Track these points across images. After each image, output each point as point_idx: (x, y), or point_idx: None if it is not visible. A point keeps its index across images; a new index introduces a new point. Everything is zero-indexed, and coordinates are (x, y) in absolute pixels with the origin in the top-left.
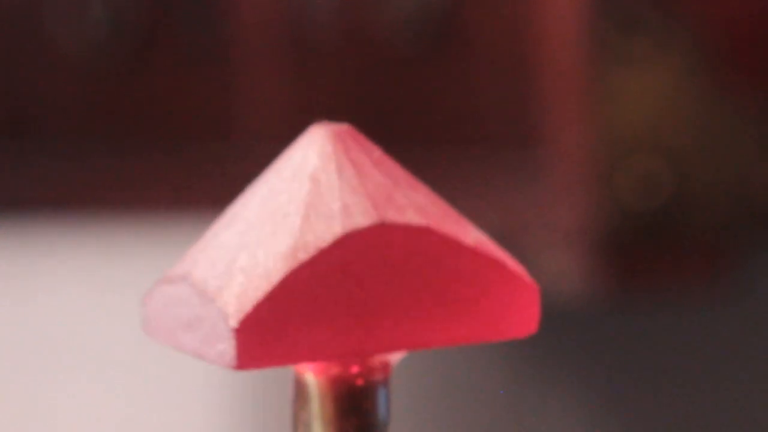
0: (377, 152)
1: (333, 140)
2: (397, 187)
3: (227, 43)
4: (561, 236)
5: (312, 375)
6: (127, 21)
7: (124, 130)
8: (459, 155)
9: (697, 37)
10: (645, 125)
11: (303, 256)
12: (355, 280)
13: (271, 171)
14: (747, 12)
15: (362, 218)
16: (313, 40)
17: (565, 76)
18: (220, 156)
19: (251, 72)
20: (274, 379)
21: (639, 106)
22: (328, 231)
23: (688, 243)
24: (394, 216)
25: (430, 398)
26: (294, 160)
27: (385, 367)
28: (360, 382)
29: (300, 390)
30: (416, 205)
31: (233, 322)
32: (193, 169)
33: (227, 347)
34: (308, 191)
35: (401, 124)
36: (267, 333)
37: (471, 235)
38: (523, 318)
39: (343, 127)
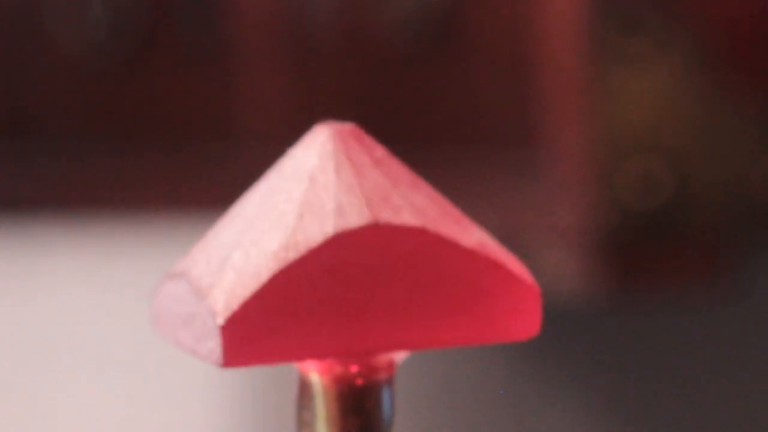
0: (380, 152)
1: (334, 139)
2: (396, 187)
3: (227, 43)
4: (561, 236)
5: (315, 374)
6: (127, 21)
7: (124, 130)
8: (459, 155)
9: (697, 37)
10: (645, 125)
11: (293, 255)
12: (348, 280)
13: (273, 170)
14: (747, 12)
15: (355, 218)
16: (313, 40)
17: (565, 76)
18: (220, 156)
19: (251, 72)
20: (274, 379)
21: (639, 106)
22: (320, 230)
23: (688, 243)
24: (388, 216)
25: (429, 398)
26: (296, 159)
27: (389, 366)
28: (360, 381)
29: (303, 389)
30: (414, 205)
31: (220, 320)
32: (193, 169)
33: (215, 345)
34: (305, 190)
35: (401, 124)
36: (254, 331)
37: (472, 236)
38: (525, 321)
39: (347, 127)
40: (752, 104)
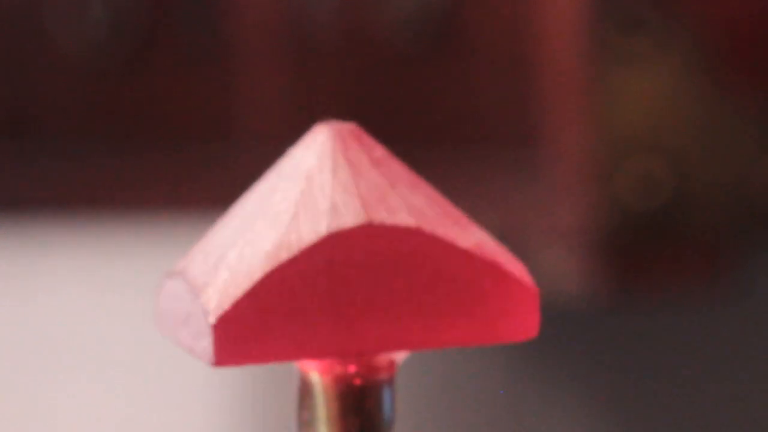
0: (379, 152)
1: (333, 139)
2: (394, 187)
3: (227, 43)
4: (561, 236)
5: (315, 374)
6: (127, 21)
7: (124, 130)
8: (459, 155)
9: (697, 37)
10: (645, 125)
11: (286, 254)
12: (342, 280)
13: (273, 169)
14: (747, 12)
15: (349, 218)
16: (313, 40)
17: (565, 76)
18: (220, 156)
19: (251, 72)
20: (274, 379)
21: (639, 106)
22: (313, 230)
23: (688, 243)
24: (383, 217)
25: (429, 398)
26: (295, 158)
27: (389, 366)
28: (358, 381)
29: (303, 389)
30: (412, 206)
31: (212, 319)
32: (193, 169)
33: (207, 343)
34: (301, 190)
35: (401, 124)
36: (247, 330)
37: (471, 237)
38: (523, 322)
39: (347, 126)
40: (752, 104)
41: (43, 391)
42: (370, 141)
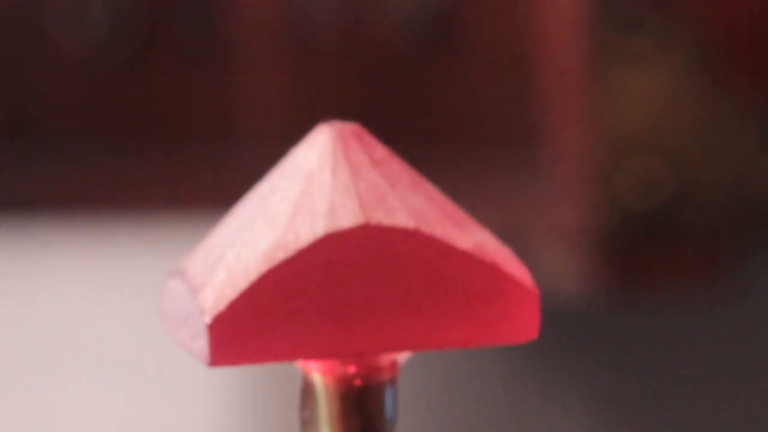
0: (381, 152)
1: (334, 139)
2: (393, 188)
3: (227, 43)
4: (561, 236)
5: (317, 374)
6: (127, 21)
7: (124, 130)
8: (459, 155)
9: (697, 37)
10: (645, 125)
11: (282, 255)
12: (339, 280)
13: (275, 169)
14: (747, 12)
15: (347, 218)
16: (313, 40)
17: (565, 76)
18: (220, 156)
19: (251, 72)
20: (274, 379)
21: (639, 106)
22: (310, 231)
23: (688, 243)
24: (381, 217)
25: (429, 398)
26: (296, 158)
27: (391, 367)
28: (358, 382)
29: (305, 389)
30: (411, 207)
31: (207, 318)
32: (193, 169)
33: (203, 343)
34: (301, 190)
35: (401, 124)
36: (243, 331)
37: (471, 238)
38: (523, 324)
39: (349, 127)
40: (752, 104)
41: (43, 391)
42: (372, 141)
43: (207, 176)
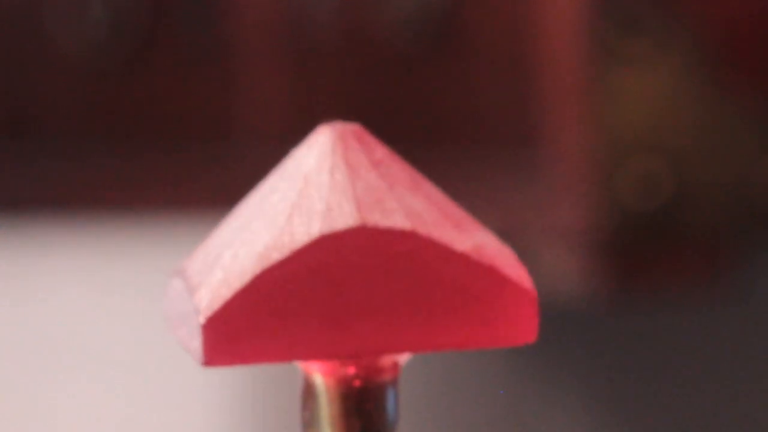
0: (381, 153)
1: (334, 140)
2: (392, 189)
3: (227, 43)
4: (561, 236)
5: (317, 375)
6: (127, 21)
7: (124, 130)
8: (459, 155)
9: (697, 37)
10: (645, 125)
11: (277, 255)
12: (334, 281)
13: (276, 169)
14: (747, 12)
15: (343, 220)
16: (313, 40)
17: (565, 76)
18: (220, 156)
19: (251, 72)
20: (275, 379)
21: (639, 106)
22: (305, 232)
23: (688, 243)
24: (377, 219)
25: (429, 398)
26: (296, 159)
27: (392, 368)
28: (358, 383)
29: (305, 390)
30: (409, 208)
31: (201, 318)
32: (193, 169)
33: (198, 343)
34: (298, 191)
35: (401, 124)
36: (237, 331)
37: (470, 240)
38: (521, 327)
39: (350, 127)
40: (752, 104)
41: (43, 391)
42: (373, 142)
43: (207, 176)
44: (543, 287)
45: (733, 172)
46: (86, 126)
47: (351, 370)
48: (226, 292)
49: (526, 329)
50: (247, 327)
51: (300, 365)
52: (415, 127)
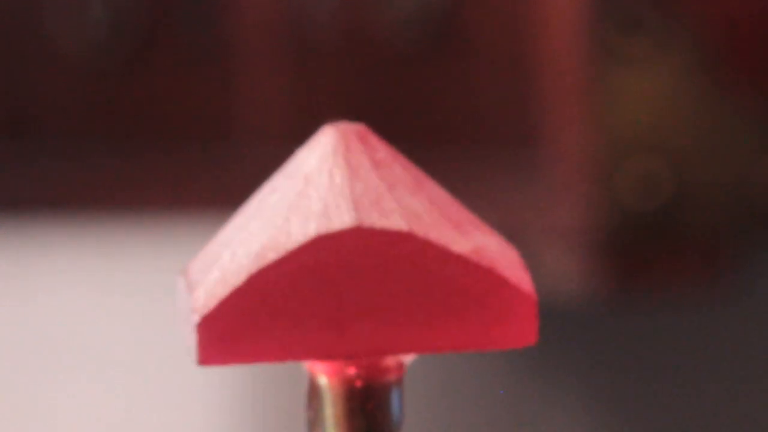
0: (383, 153)
1: (336, 140)
2: (392, 190)
3: (227, 43)
4: (561, 236)
5: (321, 375)
6: (127, 21)
7: (124, 130)
8: (459, 155)
9: (697, 37)
10: (645, 125)
11: (273, 255)
12: (330, 282)
13: (280, 169)
14: (747, 12)
15: (339, 220)
16: (313, 40)
17: (565, 76)
18: (220, 156)
19: (251, 72)
20: (275, 379)
21: (639, 106)
22: (302, 232)
23: (688, 243)
24: (374, 220)
25: (428, 398)
26: (298, 159)
27: (396, 368)
28: (359, 383)
29: (309, 390)
30: (408, 209)
31: (196, 317)
32: (193, 169)
33: (194, 342)
34: (298, 192)
35: (401, 124)
36: (232, 330)
37: (470, 242)
38: (520, 329)
39: (354, 127)
40: (752, 104)
41: (43, 391)
42: (375, 142)
43: (207, 176)
44: (543, 287)
45: (733, 172)
46: (86, 126)
47: (352, 371)
48: (221, 292)
49: (525, 332)
50: (242, 326)
51: (304, 365)
52: (415, 127)
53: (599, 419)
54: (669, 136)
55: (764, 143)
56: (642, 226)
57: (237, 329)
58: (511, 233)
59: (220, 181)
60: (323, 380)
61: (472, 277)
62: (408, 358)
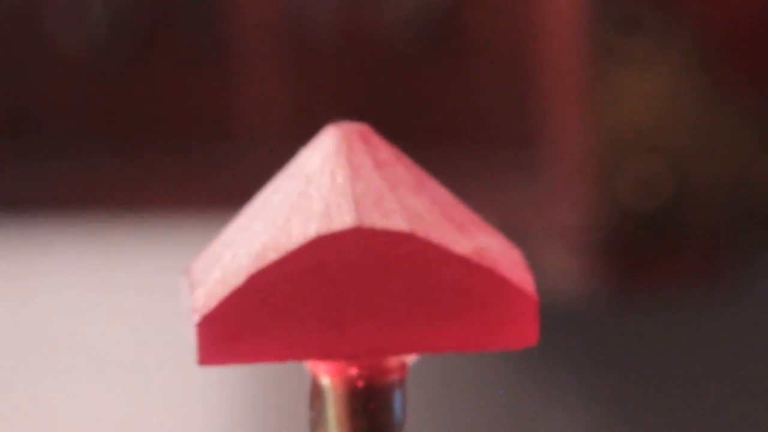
0: (386, 154)
1: (338, 140)
2: (394, 191)
3: (227, 43)
4: (561, 236)
5: (323, 375)
6: (127, 21)
7: (124, 130)
8: (459, 155)
9: (697, 37)
10: (645, 125)
11: (273, 255)
12: (330, 282)
13: (283, 169)
14: (747, 12)
15: (340, 221)
16: (313, 40)
17: (565, 76)
18: (220, 156)
19: (251, 72)
20: (275, 379)
21: (639, 106)
22: (302, 232)
23: (688, 243)
24: (375, 220)
25: (428, 398)
26: (301, 159)
27: (398, 369)
28: (361, 383)
29: (312, 390)
30: (410, 210)
31: (196, 317)
32: (193, 169)
33: (194, 342)
34: (299, 192)
35: (401, 124)
36: (232, 330)
37: (471, 243)
38: (521, 330)
39: (356, 127)
40: (752, 104)
41: (43, 391)
42: (378, 142)
43: (207, 176)
44: (543, 287)
45: (733, 172)
46: (86, 126)
47: (354, 371)
48: (221, 292)
49: (526, 333)
50: (242, 326)
51: (307, 365)
52: (415, 127)
53: (599, 419)
54: (669, 136)
55: (764, 143)
56: (642, 226)
57: (237, 329)
58: (512, 233)
59: (221, 181)
60: (326, 380)
61: (473, 278)
62: (411, 359)
